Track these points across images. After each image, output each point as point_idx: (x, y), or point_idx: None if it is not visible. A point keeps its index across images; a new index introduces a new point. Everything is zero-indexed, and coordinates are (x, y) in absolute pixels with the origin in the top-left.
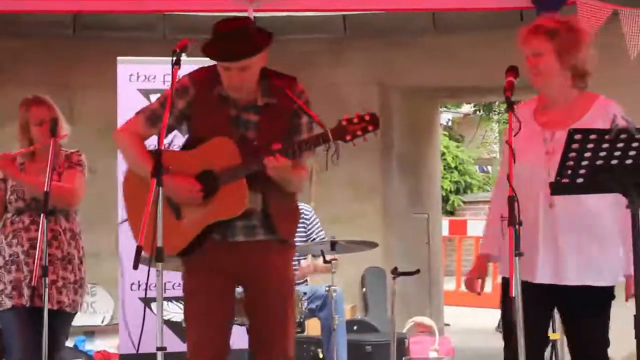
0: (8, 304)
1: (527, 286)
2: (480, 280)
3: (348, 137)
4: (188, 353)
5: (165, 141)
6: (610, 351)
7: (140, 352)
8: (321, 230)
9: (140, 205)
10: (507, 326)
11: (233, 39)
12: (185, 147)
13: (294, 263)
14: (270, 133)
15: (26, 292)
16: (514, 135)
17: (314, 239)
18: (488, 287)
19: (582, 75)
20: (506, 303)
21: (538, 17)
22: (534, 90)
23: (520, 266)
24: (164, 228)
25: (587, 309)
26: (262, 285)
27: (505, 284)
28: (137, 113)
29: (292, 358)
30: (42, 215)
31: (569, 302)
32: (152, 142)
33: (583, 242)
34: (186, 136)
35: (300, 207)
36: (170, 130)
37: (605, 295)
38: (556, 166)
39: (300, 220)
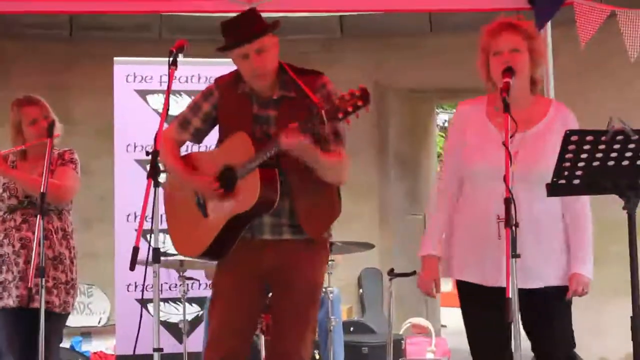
0: None
1: (480, 290)
2: (434, 282)
3: (340, 115)
4: (205, 348)
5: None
6: (608, 353)
7: (136, 353)
8: None
9: (177, 212)
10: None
11: (242, 25)
12: (217, 145)
13: None
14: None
15: (14, 292)
16: (510, 137)
17: None
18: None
19: (535, 82)
20: (470, 307)
21: (502, 16)
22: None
23: (476, 269)
24: (192, 228)
25: (553, 309)
26: (285, 286)
27: (463, 288)
28: (172, 120)
29: None
30: (38, 216)
31: (534, 305)
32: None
33: (544, 243)
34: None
35: None
36: (202, 133)
37: (563, 295)
38: (519, 170)
39: None
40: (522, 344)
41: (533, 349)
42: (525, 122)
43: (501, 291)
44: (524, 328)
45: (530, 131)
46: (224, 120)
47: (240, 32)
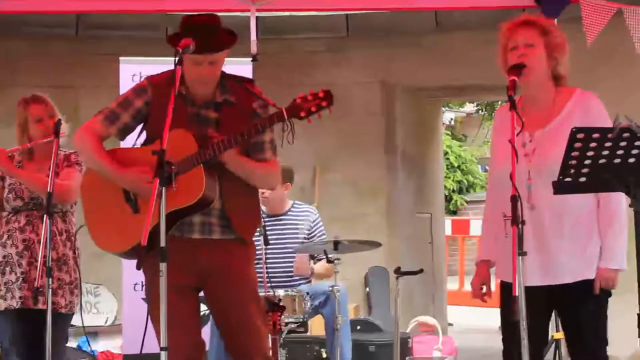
0: (1, 305)
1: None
2: (485, 287)
3: (302, 114)
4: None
5: (130, 142)
6: (615, 350)
7: (144, 352)
8: (323, 234)
9: (100, 207)
10: (507, 329)
11: (206, 33)
12: (146, 144)
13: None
14: (230, 130)
15: (17, 293)
16: (517, 135)
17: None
18: (492, 286)
19: (558, 78)
20: (506, 306)
21: (523, 14)
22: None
23: (506, 265)
24: (120, 223)
25: (585, 304)
26: (221, 289)
27: (504, 288)
28: (96, 114)
29: (270, 357)
30: (44, 217)
31: (565, 300)
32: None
33: (569, 238)
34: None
35: (305, 207)
36: (129, 129)
37: (600, 292)
38: (536, 167)
39: (304, 221)
40: None
41: (569, 346)
42: (545, 118)
43: (529, 290)
44: (561, 323)
45: (549, 126)
46: (156, 117)
47: (202, 40)
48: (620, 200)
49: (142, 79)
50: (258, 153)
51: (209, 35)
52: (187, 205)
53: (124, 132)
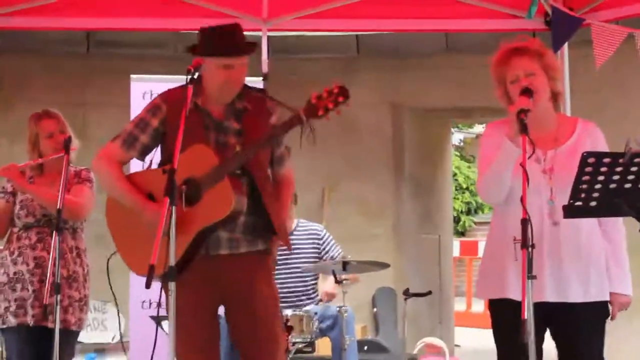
0: (13, 322)
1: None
2: None
3: (320, 113)
4: None
5: (146, 162)
6: None
7: None
8: (337, 246)
9: (128, 234)
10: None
11: (233, 36)
12: (163, 163)
13: (313, 282)
14: (253, 139)
15: (30, 311)
16: (528, 158)
17: (334, 257)
18: None
19: (556, 96)
20: (508, 326)
21: (507, 40)
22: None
23: (518, 284)
24: (149, 247)
25: (588, 325)
26: (246, 303)
27: (495, 307)
28: (113, 139)
29: None
30: (54, 232)
31: (569, 319)
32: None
33: (584, 259)
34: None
35: (310, 225)
36: (148, 150)
37: (604, 311)
38: (558, 184)
39: (312, 240)
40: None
41: None
42: (553, 140)
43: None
44: (555, 340)
45: (561, 148)
46: (173, 136)
47: (232, 43)
48: (621, 226)
49: (154, 97)
50: (280, 167)
51: (237, 38)
52: (219, 220)
53: (144, 153)
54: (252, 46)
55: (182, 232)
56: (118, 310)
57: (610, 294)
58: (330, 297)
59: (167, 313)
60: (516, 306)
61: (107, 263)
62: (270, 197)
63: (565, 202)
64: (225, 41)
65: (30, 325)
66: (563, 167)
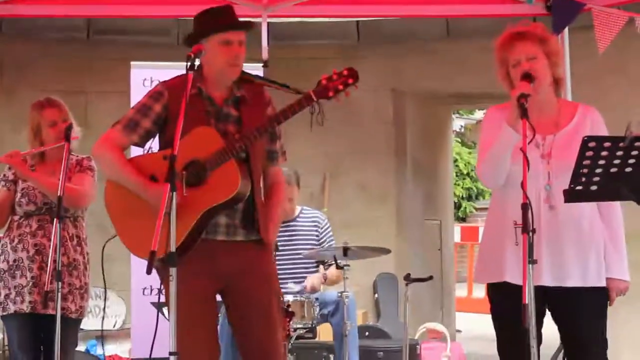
0: (12, 308)
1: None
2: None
3: (330, 94)
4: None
5: (146, 147)
6: (628, 357)
7: (152, 356)
8: (332, 240)
9: (129, 217)
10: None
11: (228, 13)
12: (164, 147)
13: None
14: (251, 127)
15: (27, 298)
16: (528, 143)
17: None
18: None
19: (558, 82)
20: (507, 309)
21: (512, 24)
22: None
23: (517, 269)
24: (151, 229)
25: (588, 309)
26: (245, 287)
27: (494, 291)
28: (113, 125)
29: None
30: (55, 220)
31: (569, 303)
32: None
33: (583, 243)
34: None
35: (313, 213)
36: (150, 135)
37: (604, 295)
38: (555, 169)
39: (314, 227)
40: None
41: (564, 346)
42: (554, 125)
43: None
44: (557, 324)
45: (560, 133)
46: (174, 122)
47: (230, 19)
48: (619, 211)
49: (155, 85)
50: (272, 163)
51: (233, 15)
52: (224, 200)
53: (145, 139)
54: (249, 23)
55: (187, 212)
56: (106, 295)
57: (608, 279)
58: (313, 290)
59: (165, 299)
60: (515, 290)
61: (102, 249)
62: (258, 193)
63: (562, 187)
64: (222, 17)
65: (27, 311)
66: (561, 152)
